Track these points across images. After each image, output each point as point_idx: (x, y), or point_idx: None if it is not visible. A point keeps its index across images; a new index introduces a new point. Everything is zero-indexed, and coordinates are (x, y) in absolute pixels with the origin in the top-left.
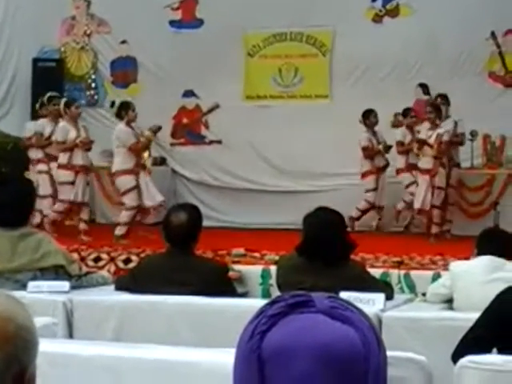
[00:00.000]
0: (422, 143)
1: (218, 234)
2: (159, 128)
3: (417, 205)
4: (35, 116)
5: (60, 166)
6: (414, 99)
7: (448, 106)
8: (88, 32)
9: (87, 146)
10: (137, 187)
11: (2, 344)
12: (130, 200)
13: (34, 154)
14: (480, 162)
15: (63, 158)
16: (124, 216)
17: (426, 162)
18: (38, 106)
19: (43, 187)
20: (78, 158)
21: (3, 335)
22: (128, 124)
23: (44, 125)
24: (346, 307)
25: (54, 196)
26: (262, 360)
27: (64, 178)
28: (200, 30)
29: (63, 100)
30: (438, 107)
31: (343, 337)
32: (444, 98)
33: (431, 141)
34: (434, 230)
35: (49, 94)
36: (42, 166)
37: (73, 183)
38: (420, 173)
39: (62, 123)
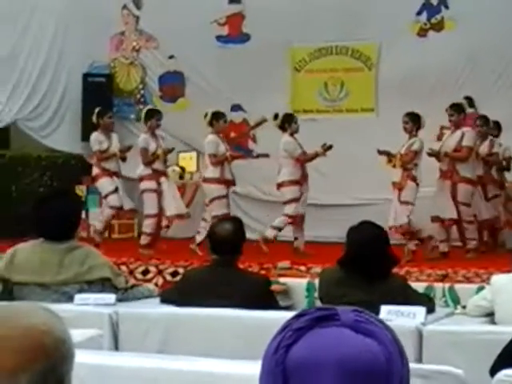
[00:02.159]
0: (387, 155)
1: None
2: (330, 147)
3: (389, 222)
4: (87, 130)
5: (210, 181)
6: None
7: (459, 115)
8: (137, 47)
9: (236, 159)
10: (300, 197)
11: (40, 356)
12: (293, 209)
13: (141, 170)
14: None
15: (214, 172)
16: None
17: (396, 175)
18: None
19: (148, 206)
20: (228, 172)
21: (41, 348)
22: (292, 135)
23: (147, 140)
24: (371, 321)
25: (159, 215)
26: (287, 373)
27: (217, 193)
28: (247, 45)
29: (210, 111)
30: (415, 117)
31: (366, 350)
32: (456, 106)
33: (402, 151)
34: (411, 246)
35: (148, 107)
36: (148, 184)
37: (225, 197)
38: (393, 187)
39: (211, 136)
